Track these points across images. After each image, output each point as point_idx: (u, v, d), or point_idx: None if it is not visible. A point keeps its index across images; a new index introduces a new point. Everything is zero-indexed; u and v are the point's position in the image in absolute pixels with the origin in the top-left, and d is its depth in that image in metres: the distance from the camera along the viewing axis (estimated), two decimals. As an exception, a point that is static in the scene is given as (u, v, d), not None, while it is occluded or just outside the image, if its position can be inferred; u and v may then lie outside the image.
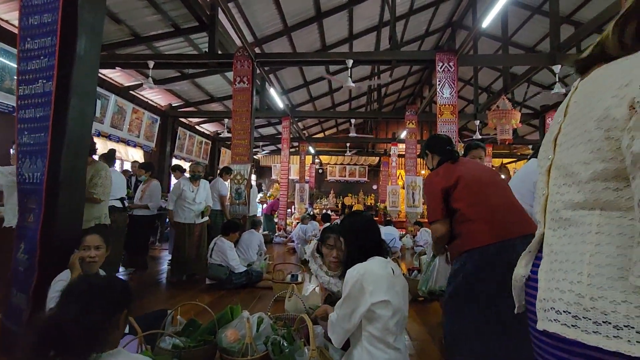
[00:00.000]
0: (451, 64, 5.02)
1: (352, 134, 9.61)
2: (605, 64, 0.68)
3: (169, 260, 5.07)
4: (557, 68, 5.30)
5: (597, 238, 0.62)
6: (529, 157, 2.15)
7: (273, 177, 15.06)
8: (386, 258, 1.56)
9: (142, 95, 7.37)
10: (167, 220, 5.14)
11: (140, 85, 6.61)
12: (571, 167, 0.67)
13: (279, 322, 2.16)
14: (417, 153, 8.83)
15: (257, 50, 6.31)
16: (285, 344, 1.69)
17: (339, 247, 1.93)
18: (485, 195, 1.63)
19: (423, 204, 11.71)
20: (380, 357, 1.36)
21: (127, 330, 1.70)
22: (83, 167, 2.19)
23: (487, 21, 4.31)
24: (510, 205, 1.64)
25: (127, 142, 7.06)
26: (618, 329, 0.56)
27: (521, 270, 0.80)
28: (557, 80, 5.50)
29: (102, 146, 6.37)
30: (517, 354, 1.37)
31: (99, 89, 5.95)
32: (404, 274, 3.89)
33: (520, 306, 0.81)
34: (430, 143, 2.00)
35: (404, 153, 8.77)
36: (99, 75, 6.04)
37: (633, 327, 0.54)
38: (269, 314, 2.15)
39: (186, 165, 8.19)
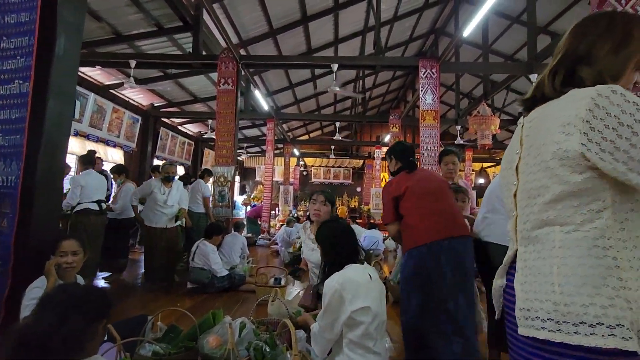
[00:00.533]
0: (434, 70, 5.14)
1: (338, 136, 9.65)
2: (543, 104, 0.83)
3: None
4: (534, 77, 5.49)
5: (560, 252, 0.73)
6: None
7: (257, 178, 14.96)
8: (363, 264, 1.59)
9: (122, 95, 7.20)
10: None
11: (121, 84, 6.46)
12: (535, 191, 0.79)
13: (262, 327, 2.16)
14: (401, 156, 8.91)
15: (242, 51, 6.28)
16: (268, 349, 1.69)
17: (321, 202, 2.27)
18: (426, 204, 1.96)
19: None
20: (361, 362, 1.38)
21: (105, 337, 1.67)
22: (60, 169, 2.13)
23: (468, 30, 4.44)
24: (445, 213, 1.96)
25: (106, 142, 6.87)
26: (592, 327, 0.66)
27: (499, 281, 0.91)
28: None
29: (80, 146, 6.19)
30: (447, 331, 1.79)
31: (77, 88, 5.76)
32: (386, 277, 3.95)
33: (499, 312, 0.92)
34: (395, 149, 2.26)
35: (387, 156, 8.89)
36: (78, 74, 5.87)
37: (603, 324, 0.66)
38: (251, 318, 2.15)
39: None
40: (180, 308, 1.97)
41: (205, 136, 10.86)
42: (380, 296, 1.52)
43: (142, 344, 1.76)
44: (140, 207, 5.00)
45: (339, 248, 1.59)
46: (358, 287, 1.43)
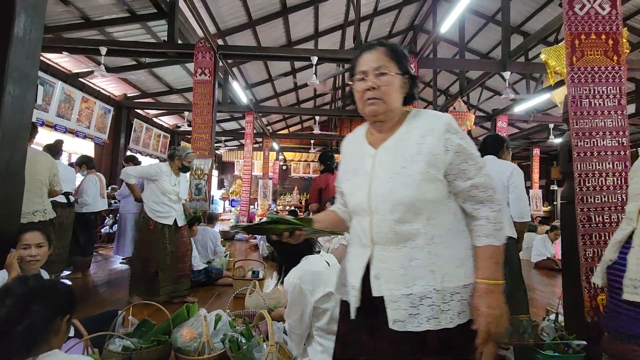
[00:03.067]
0: (412, 65, 5.18)
1: (316, 130, 9.63)
2: None
3: (122, 260, 4.77)
4: (507, 74, 5.66)
5: None
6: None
7: (236, 172, 14.74)
8: (319, 253, 1.59)
9: (93, 84, 6.88)
10: (118, 215, 4.76)
11: (91, 72, 6.16)
12: None
13: (239, 319, 2.13)
14: (380, 151, 9.00)
15: (219, 41, 6.13)
16: (244, 341, 1.67)
17: None
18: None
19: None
20: (332, 346, 1.39)
21: (72, 333, 1.59)
22: (22, 159, 2.01)
23: (446, 26, 4.51)
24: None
25: (75, 133, 6.55)
26: None
27: (610, 255, 1.11)
28: (507, 85, 5.88)
29: (46, 137, 5.87)
30: None
31: (43, 75, 5.46)
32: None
33: (605, 283, 1.15)
34: (322, 156, 3.85)
35: (366, 151, 8.96)
36: (43, 60, 5.56)
37: None
38: (227, 311, 2.12)
39: (143, 159, 7.72)
40: (153, 302, 1.91)
41: (181, 129, 10.57)
42: None
43: (112, 339, 1.70)
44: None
45: (289, 246, 1.56)
46: (317, 277, 1.44)
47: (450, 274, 0.85)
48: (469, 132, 9.18)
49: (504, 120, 8.43)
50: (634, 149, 9.62)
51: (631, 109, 7.78)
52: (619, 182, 1.94)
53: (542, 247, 5.70)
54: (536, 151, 11.34)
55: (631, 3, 5.75)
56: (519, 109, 7.56)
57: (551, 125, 8.98)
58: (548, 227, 6.64)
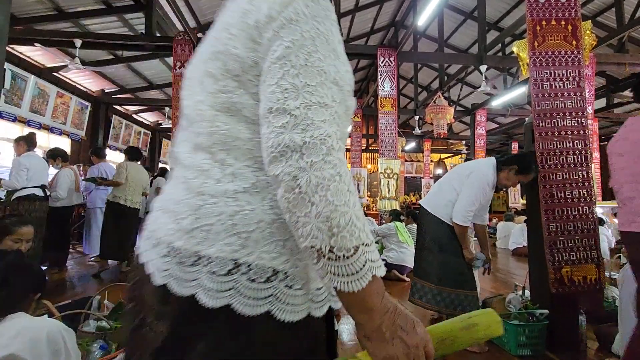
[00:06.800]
0: (391, 59, 5.29)
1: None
2: None
3: (91, 259, 4.67)
4: (483, 68, 5.82)
5: None
6: (465, 159, 2.45)
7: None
8: None
9: (68, 79, 6.70)
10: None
11: (66, 66, 6.01)
12: None
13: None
14: (362, 147, 9.16)
15: (199, 35, 6.07)
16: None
17: None
18: None
19: (368, 196, 12.16)
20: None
21: (46, 315, 1.58)
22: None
23: (422, 19, 4.62)
24: None
25: (50, 130, 6.38)
26: None
27: None
28: (483, 79, 6.05)
29: (20, 133, 5.69)
30: None
31: (15, 69, 5.30)
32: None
33: None
34: None
35: (349, 147, 9.04)
36: (15, 53, 5.39)
37: None
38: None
39: (123, 156, 7.53)
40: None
41: (163, 126, 10.42)
42: None
43: (86, 321, 1.69)
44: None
45: None
46: None
47: None
48: (450, 128, 9.39)
49: (482, 114, 8.65)
50: (605, 142, 10.01)
51: (602, 103, 8.11)
52: (579, 159, 2.05)
53: (520, 236, 5.91)
54: (515, 145, 11.68)
55: (600, 0, 6.00)
56: (496, 103, 7.78)
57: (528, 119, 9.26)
58: (525, 218, 6.87)
